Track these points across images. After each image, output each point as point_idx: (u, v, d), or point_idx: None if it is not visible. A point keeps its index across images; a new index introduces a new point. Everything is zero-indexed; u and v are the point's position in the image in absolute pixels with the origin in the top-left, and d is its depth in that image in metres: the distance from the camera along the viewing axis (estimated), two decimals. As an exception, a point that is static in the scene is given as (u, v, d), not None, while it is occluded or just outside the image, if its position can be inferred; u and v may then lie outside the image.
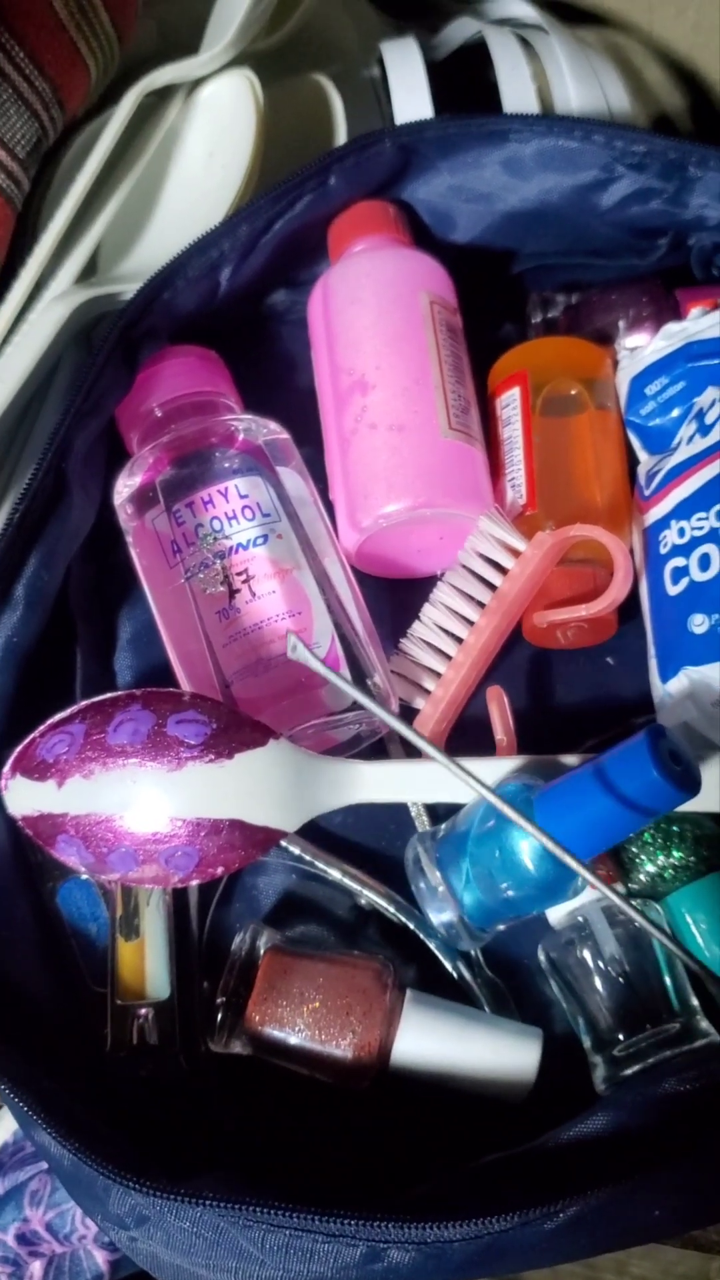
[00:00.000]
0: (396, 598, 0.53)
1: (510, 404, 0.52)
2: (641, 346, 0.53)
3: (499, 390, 0.53)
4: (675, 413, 0.51)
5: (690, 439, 0.49)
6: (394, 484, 0.49)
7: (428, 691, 0.50)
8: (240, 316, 0.57)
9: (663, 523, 0.49)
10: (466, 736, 0.50)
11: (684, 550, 0.47)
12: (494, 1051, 0.44)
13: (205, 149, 0.56)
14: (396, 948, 0.48)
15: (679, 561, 0.47)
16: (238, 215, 0.51)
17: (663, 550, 0.48)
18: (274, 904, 0.49)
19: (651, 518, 0.49)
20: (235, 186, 0.54)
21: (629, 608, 0.50)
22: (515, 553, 0.49)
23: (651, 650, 0.49)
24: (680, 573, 0.47)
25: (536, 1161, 0.40)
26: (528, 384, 0.52)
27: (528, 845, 0.42)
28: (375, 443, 0.50)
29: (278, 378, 0.58)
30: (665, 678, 0.47)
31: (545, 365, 0.53)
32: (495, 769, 0.46)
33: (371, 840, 0.50)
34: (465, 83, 0.67)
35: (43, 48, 0.49)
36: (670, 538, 0.48)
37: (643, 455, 0.52)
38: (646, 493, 0.50)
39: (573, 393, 0.52)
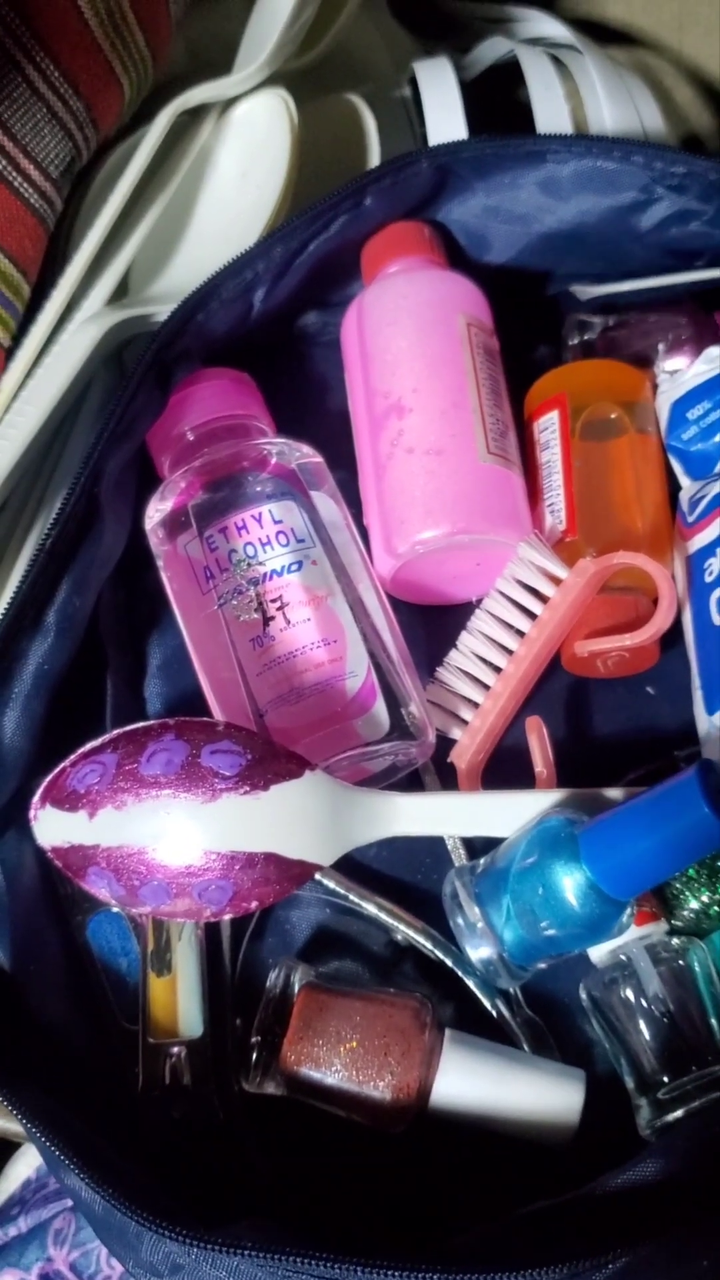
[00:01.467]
0: (432, 625, 0.52)
1: (549, 427, 0.52)
2: (681, 370, 0.52)
3: (536, 414, 0.53)
4: (718, 438, 0.50)
5: (737, 465, 0.48)
6: (431, 509, 0.48)
7: (465, 722, 0.49)
8: (272, 338, 0.56)
9: (708, 550, 0.48)
10: (504, 768, 0.49)
11: (732, 579, 0.47)
12: (536, 1093, 0.43)
13: (239, 169, 0.55)
14: (433, 985, 0.47)
15: (726, 591, 0.46)
16: (272, 236, 0.51)
17: (708, 579, 0.47)
18: (308, 939, 0.48)
19: (696, 545, 0.48)
20: (269, 207, 0.53)
21: (670, 636, 0.49)
22: (556, 580, 0.48)
23: (696, 682, 0.48)
24: (727, 601, 0.46)
25: (585, 1209, 0.39)
26: (567, 407, 0.51)
27: (572, 882, 0.41)
28: (412, 467, 0.49)
29: (310, 400, 0.57)
30: (712, 710, 0.46)
31: (584, 388, 0.52)
32: (536, 802, 0.45)
33: (407, 874, 0.49)
34: (497, 102, 0.67)
35: (78, 67, 0.48)
36: (716, 566, 0.47)
37: (685, 481, 0.52)
38: (690, 519, 0.49)
39: (613, 416, 0.51)
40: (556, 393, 0.52)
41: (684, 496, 0.51)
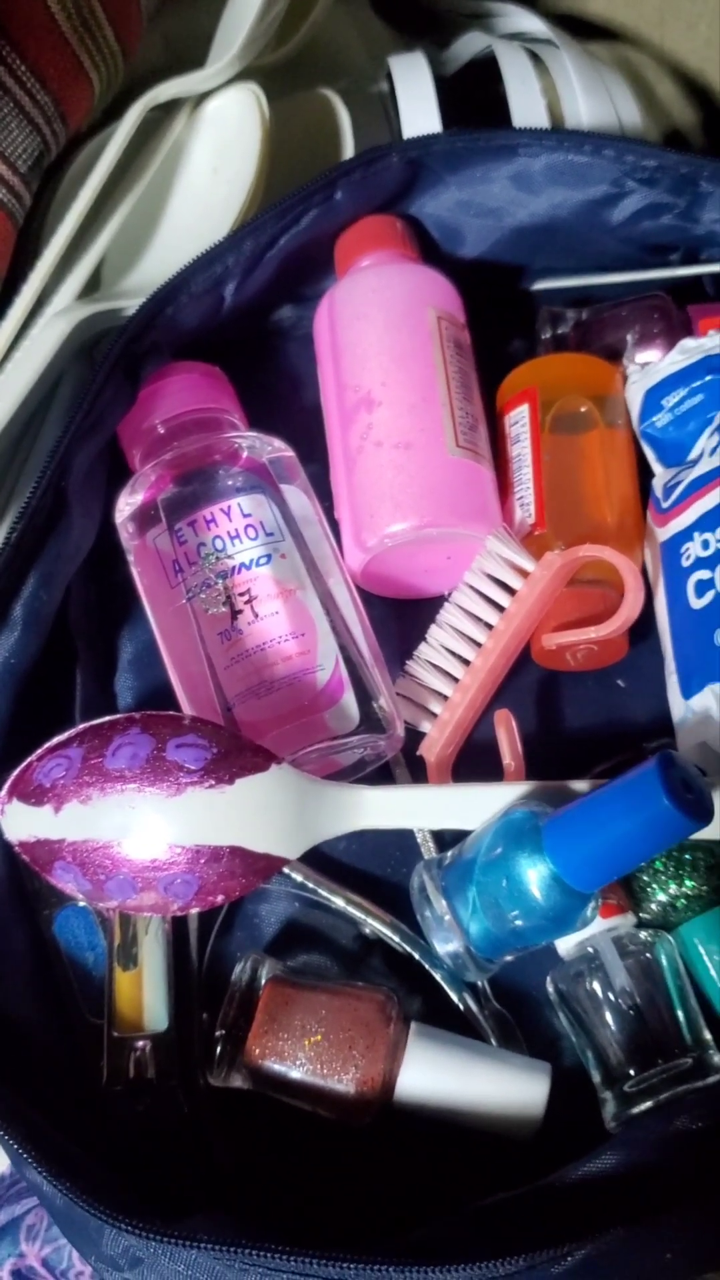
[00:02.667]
0: (403, 619, 0.52)
1: (519, 421, 0.51)
2: (653, 362, 0.52)
3: (508, 407, 0.53)
4: (691, 425, 0.50)
5: (714, 450, 0.48)
6: (400, 503, 0.48)
7: (434, 715, 0.49)
8: (245, 332, 0.56)
9: (684, 535, 0.47)
10: (474, 761, 0.49)
11: (709, 563, 0.46)
12: (501, 1086, 0.43)
13: (210, 163, 0.55)
14: (401, 978, 0.47)
15: (704, 574, 0.46)
16: (242, 230, 0.51)
17: (685, 563, 0.47)
18: (276, 932, 0.48)
19: (670, 530, 0.48)
20: (240, 201, 0.53)
21: (640, 628, 0.49)
22: (524, 573, 0.48)
23: (671, 666, 0.47)
24: (705, 585, 0.46)
25: (543, 1202, 0.39)
26: (537, 401, 0.51)
27: (535, 874, 0.41)
28: (381, 460, 0.49)
29: (282, 394, 0.57)
30: (688, 694, 0.46)
31: (555, 382, 0.52)
32: (503, 795, 0.45)
33: (376, 867, 0.49)
34: (475, 97, 0.67)
35: (45, 61, 0.48)
36: (694, 550, 0.47)
37: (658, 468, 0.51)
38: (665, 505, 0.49)
39: (583, 410, 0.51)
40: (527, 386, 0.52)
41: (657, 483, 0.51)
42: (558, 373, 0.52)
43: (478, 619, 0.48)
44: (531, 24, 0.69)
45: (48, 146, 0.51)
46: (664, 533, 0.49)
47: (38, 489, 0.45)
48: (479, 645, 0.48)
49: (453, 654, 0.49)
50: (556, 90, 0.64)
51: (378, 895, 0.48)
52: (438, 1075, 0.43)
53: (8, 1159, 0.54)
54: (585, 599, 0.48)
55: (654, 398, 0.51)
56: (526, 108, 0.62)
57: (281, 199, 0.52)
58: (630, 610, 0.46)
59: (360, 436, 0.50)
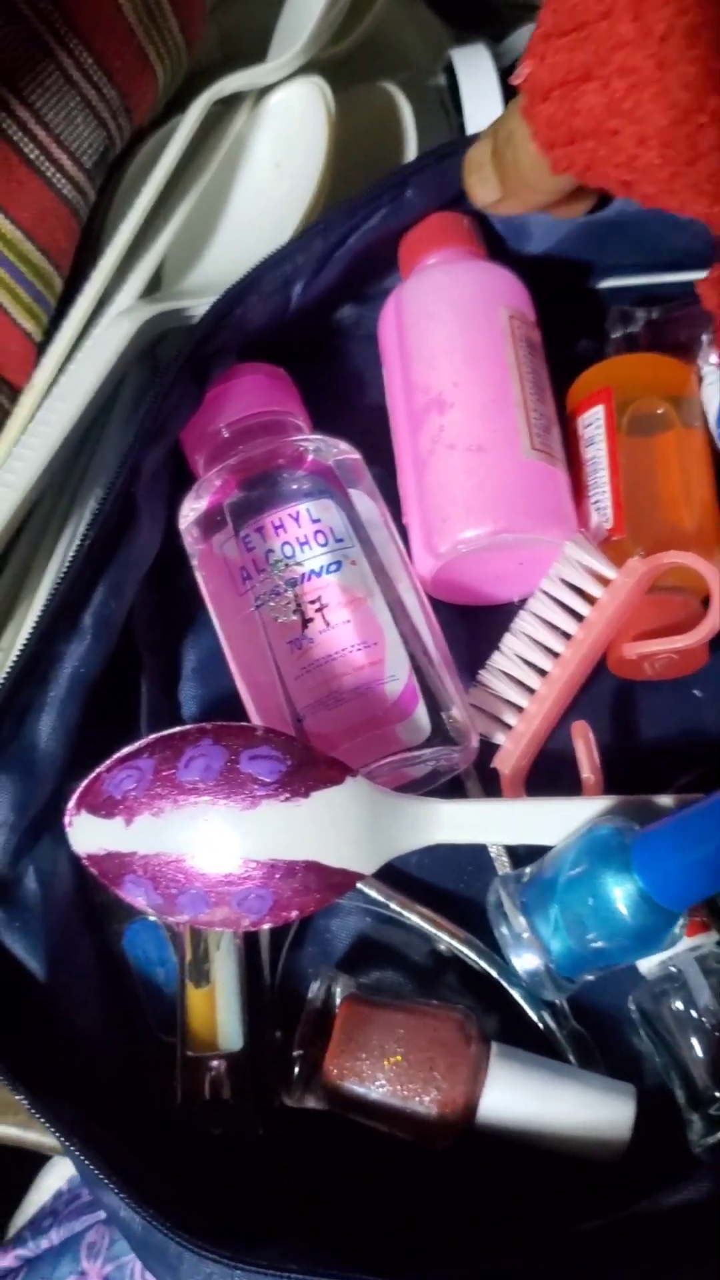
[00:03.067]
0: (473, 626, 0.51)
1: (594, 423, 0.50)
2: (729, 362, 0.51)
3: (581, 408, 0.51)
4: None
5: None
6: (473, 508, 0.47)
7: (508, 726, 0.47)
8: (308, 332, 0.55)
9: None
10: (548, 772, 0.48)
11: None
12: (586, 1109, 0.41)
13: (273, 159, 0.54)
14: (476, 996, 0.46)
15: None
16: (313, 228, 0.49)
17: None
18: (347, 948, 0.47)
19: None
20: (305, 198, 0.52)
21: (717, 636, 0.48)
22: (603, 580, 0.46)
23: None
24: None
25: (635, 1231, 0.38)
26: (612, 402, 0.50)
27: (623, 892, 0.40)
28: (453, 464, 0.48)
29: (346, 395, 0.56)
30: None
31: (630, 383, 0.50)
32: (583, 810, 0.43)
33: (448, 881, 0.48)
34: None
35: (112, 54, 0.47)
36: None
37: None
38: None
39: (659, 411, 0.50)
40: (602, 387, 0.51)
41: None
42: (633, 373, 0.51)
43: (554, 627, 0.47)
44: (590, 15, 0.68)
45: (113, 141, 0.50)
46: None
47: (109, 495, 0.44)
48: (555, 654, 0.47)
49: (528, 663, 0.48)
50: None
51: (449, 910, 0.47)
52: (521, 1097, 0.41)
53: (64, 1176, 0.54)
54: (665, 606, 0.47)
55: None
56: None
57: (352, 196, 0.51)
58: (716, 619, 0.45)
59: (431, 439, 0.49)
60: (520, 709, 0.48)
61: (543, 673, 0.47)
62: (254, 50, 0.58)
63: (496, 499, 0.47)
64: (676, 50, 0.36)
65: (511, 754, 0.47)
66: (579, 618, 0.47)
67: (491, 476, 0.47)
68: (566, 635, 0.47)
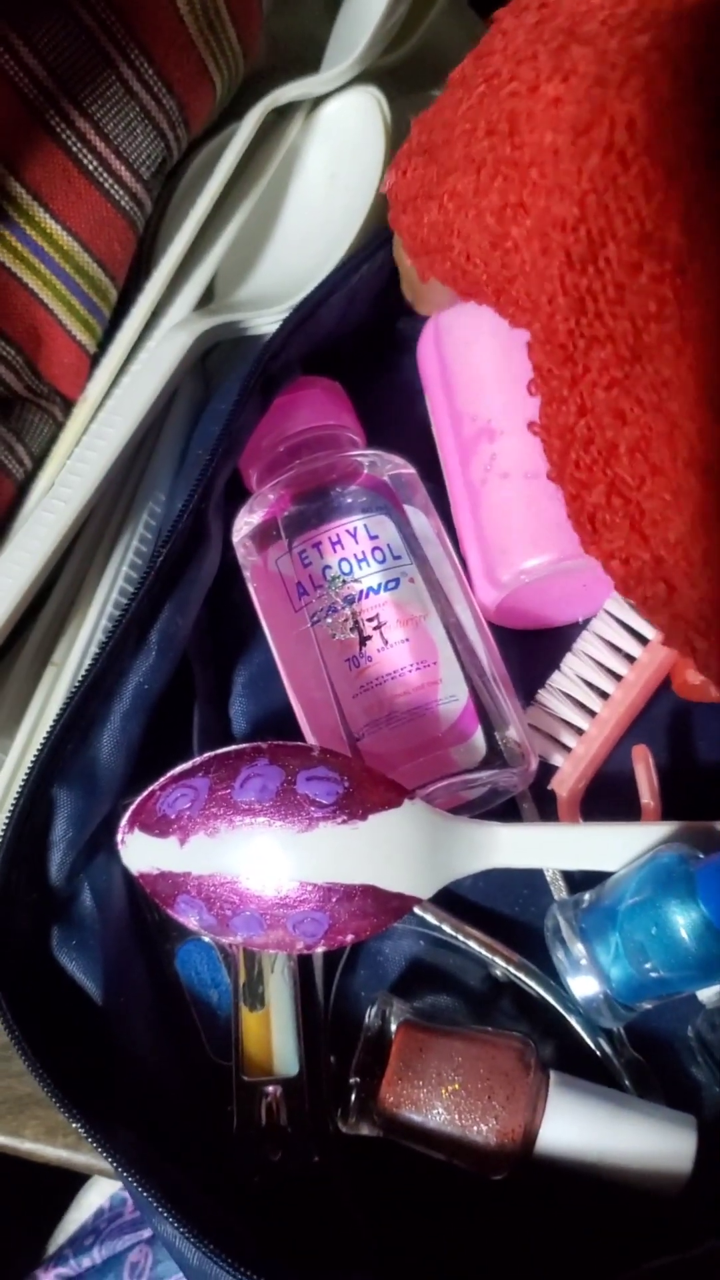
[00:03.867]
0: (527, 646, 0.50)
1: None
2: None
3: None
4: None
5: None
6: (536, 537, 0.46)
7: (567, 748, 0.47)
8: (364, 345, 0.54)
9: None
10: (604, 795, 0.47)
11: None
12: (647, 1140, 0.41)
13: (328, 170, 0.53)
14: (532, 1022, 0.45)
15: None
16: (380, 237, 0.49)
17: None
18: (401, 972, 0.47)
19: None
20: (362, 211, 0.51)
21: None
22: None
23: None
24: None
25: (705, 1269, 0.37)
26: None
27: (686, 921, 0.39)
28: (508, 493, 0.47)
29: (400, 408, 0.55)
30: None
31: None
32: (644, 836, 0.43)
33: (503, 905, 0.47)
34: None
35: (172, 65, 0.46)
36: None
37: None
38: None
39: None
40: None
41: None
42: None
43: (618, 649, 0.47)
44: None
45: (170, 152, 0.49)
46: None
47: (184, 513, 0.44)
48: (618, 677, 0.47)
49: (589, 685, 0.47)
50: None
51: (505, 934, 0.46)
52: (581, 1127, 0.41)
53: (106, 1193, 0.53)
54: None
55: None
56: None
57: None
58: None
59: (484, 469, 0.48)
60: (580, 731, 0.47)
61: (604, 695, 0.47)
62: (304, 57, 0.57)
63: (558, 525, 0.46)
64: (487, 180, 0.37)
65: (570, 776, 0.46)
66: (644, 640, 0.46)
67: (550, 502, 0.46)
68: (630, 658, 0.47)
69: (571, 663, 0.47)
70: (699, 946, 0.39)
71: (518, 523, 0.46)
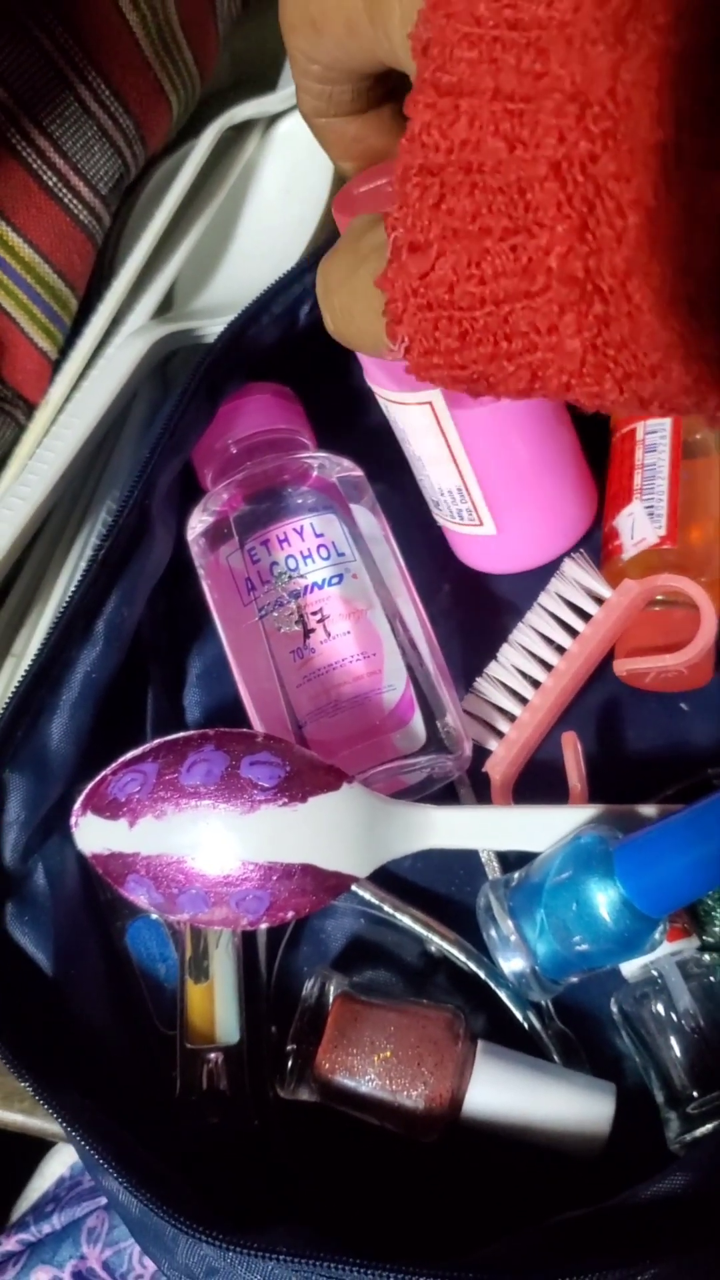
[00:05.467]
0: (469, 639, 0.53)
1: (660, 431, 0.51)
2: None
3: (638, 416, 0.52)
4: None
5: None
6: None
7: (501, 734, 0.49)
8: (314, 351, 0.56)
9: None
10: (537, 781, 0.49)
11: None
12: (567, 1105, 0.43)
13: (282, 184, 0.56)
14: (465, 996, 0.48)
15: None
16: (320, 251, 0.51)
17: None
18: (342, 948, 0.49)
19: None
20: (313, 222, 0.54)
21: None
22: (599, 599, 0.48)
23: None
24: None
25: (614, 1221, 0.39)
26: (681, 421, 0.51)
27: (605, 898, 0.41)
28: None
29: (349, 413, 0.58)
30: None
31: None
32: (571, 818, 0.45)
33: (440, 885, 0.50)
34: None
35: (128, 85, 0.49)
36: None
37: None
38: None
39: (698, 436, 0.51)
40: None
41: None
42: None
43: (550, 641, 0.49)
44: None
45: (128, 168, 0.51)
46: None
47: (125, 507, 0.46)
48: (550, 667, 0.49)
49: (523, 674, 0.49)
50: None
51: (442, 913, 0.48)
52: (505, 1093, 0.43)
53: (67, 1162, 0.55)
54: (672, 622, 0.48)
55: None
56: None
57: (355, 220, 0.52)
58: (703, 641, 0.47)
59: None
60: (513, 717, 0.49)
61: (537, 684, 0.49)
62: (265, 74, 0.59)
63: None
64: None
65: (503, 760, 0.49)
66: (574, 633, 0.49)
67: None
68: (561, 649, 0.49)
69: (507, 653, 0.50)
70: (617, 922, 0.41)
71: None
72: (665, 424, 0.51)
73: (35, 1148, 0.57)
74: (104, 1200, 0.54)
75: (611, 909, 0.41)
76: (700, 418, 0.51)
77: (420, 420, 0.48)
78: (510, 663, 0.50)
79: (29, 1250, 0.54)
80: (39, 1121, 0.50)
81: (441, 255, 0.28)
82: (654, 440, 0.51)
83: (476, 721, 0.50)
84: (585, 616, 0.49)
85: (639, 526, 0.49)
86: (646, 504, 0.50)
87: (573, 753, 0.47)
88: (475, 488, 0.50)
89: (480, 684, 0.50)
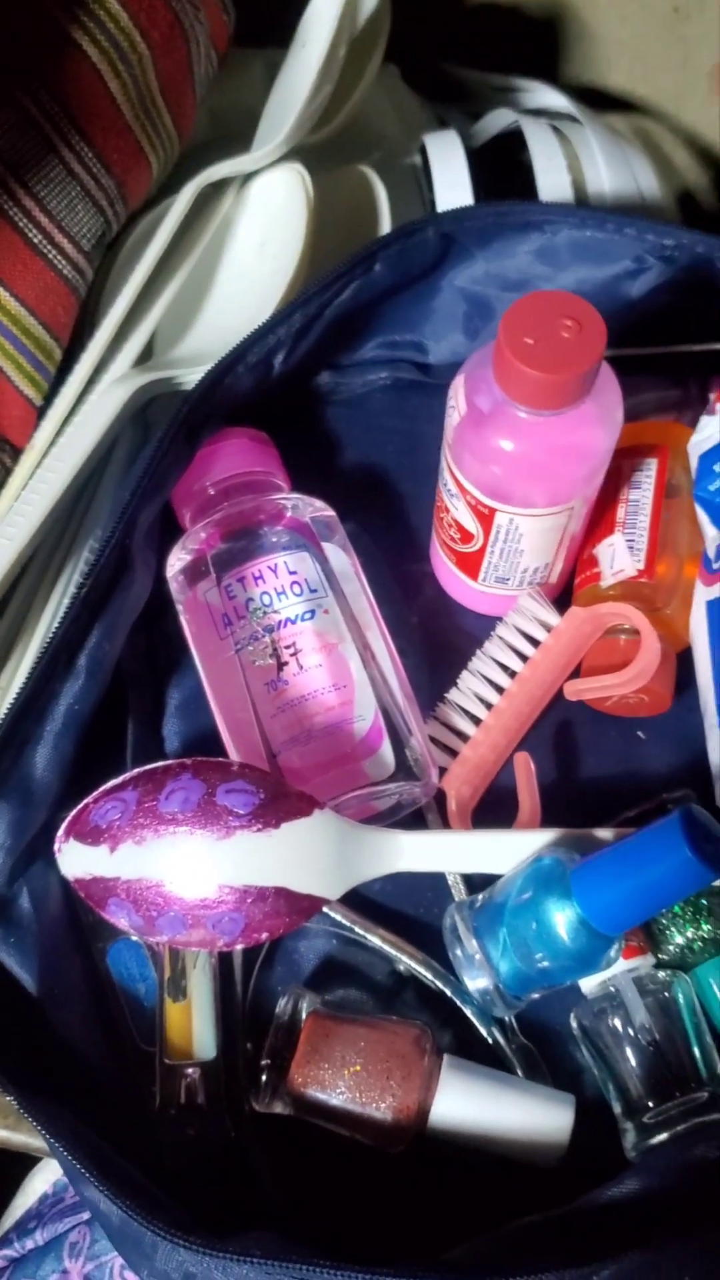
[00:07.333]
0: (437, 672, 0.55)
1: (646, 470, 0.54)
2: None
3: (635, 452, 0.55)
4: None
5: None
6: None
7: (458, 754, 0.52)
8: (288, 397, 0.59)
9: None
10: (499, 806, 0.52)
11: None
12: (529, 1116, 0.45)
13: (258, 239, 0.58)
14: (432, 1012, 0.50)
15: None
16: (294, 303, 0.53)
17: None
18: (315, 968, 0.51)
19: (717, 591, 0.51)
20: (287, 275, 0.56)
21: (681, 683, 0.52)
22: (549, 628, 0.51)
23: (713, 720, 0.50)
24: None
25: (572, 1224, 0.41)
26: (667, 460, 0.54)
27: (563, 918, 0.43)
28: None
29: (321, 457, 0.60)
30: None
31: (678, 447, 0.55)
32: (532, 841, 0.47)
33: (409, 907, 0.52)
34: (503, 166, 0.70)
35: (110, 147, 0.52)
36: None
37: (710, 530, 0.53)
38: (715, 565, 0.52)
39: (676, 480, 0.54)
40: (659, 443, 0.55)
41: (710, 545, 0.53)
42: (680, 442, 0.55)
43: (505, 667, 0.52)
44: (556, 100, 0.73)
45: (110, 226, 0.54)
46: (710, 592, 0.51)
47: (106, 546, 0.48)
48: (504, 691, 0.52)
49: (479, 699, 0.52)
50: (580, 164, 0.67)
51: (411, 934, 0.50)
52: (469, 1105, 0.45)
53: (50, 1180, 0.57)
54: (630, 649, 0.51)
55: (707, 463, 0.53)
56: (553, 182, 0.65)
57: (326, 272, 0.55)
58: (643, 662, 0.49)
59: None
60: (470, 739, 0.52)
61: (492, 707, 0.52)
62: (242, 129, 0.62)
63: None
64: None
65: (458, 777, 0.51)
66: (525, 658, 0.51)
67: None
68: (514, 674, 0.52)
69: (466, 679, 0.52)
70: (574, 941, 0.43)
71: None
72: (652, 463, 0.54)
73: (18, 1165, 0.58)
74: (86, 1215, 0.55)
75: (569, 928, 0.43)
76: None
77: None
78: (469, 688, 0.52)
79: (12, 1265, 0.55)
80: (22, 1137, 0.51)
81: None
82: (640, 478, 0.54)
83: (439, 746, 0.52)
84: (538, 645, 0.51)
85: (619, 558, 0.52)
86: (628, 537, 0.52)
87: (525, 773, 0.50)
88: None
89: (440, 709, 0.52)
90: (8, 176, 0.49)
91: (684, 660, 0.53)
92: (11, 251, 0.50)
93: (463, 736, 0.52)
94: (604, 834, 0.48)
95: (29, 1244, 0.55)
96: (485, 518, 0.50)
